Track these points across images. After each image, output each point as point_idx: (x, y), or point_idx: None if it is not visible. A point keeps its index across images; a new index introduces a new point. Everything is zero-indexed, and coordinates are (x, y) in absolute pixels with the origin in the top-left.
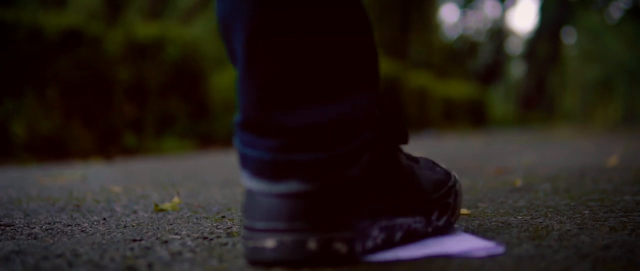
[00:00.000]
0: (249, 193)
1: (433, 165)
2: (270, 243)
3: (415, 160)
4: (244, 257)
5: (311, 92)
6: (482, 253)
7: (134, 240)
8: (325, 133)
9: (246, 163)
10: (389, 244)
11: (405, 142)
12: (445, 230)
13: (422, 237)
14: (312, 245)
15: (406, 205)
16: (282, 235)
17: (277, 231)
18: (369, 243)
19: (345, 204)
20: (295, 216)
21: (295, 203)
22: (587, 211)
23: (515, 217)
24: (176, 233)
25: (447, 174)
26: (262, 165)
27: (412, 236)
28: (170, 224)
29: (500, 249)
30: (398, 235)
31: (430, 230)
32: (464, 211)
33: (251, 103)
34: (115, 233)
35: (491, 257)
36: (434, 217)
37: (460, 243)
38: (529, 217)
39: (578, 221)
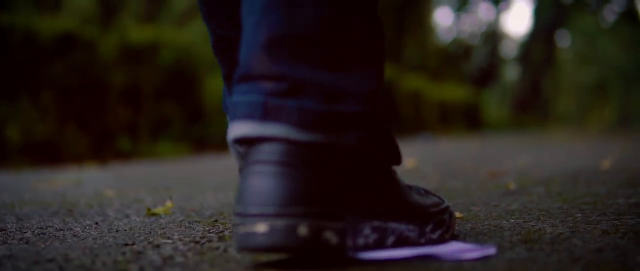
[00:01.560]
0: (243, 178)
1: (425, 192)
2: (261, 227)
3: (409, 186)
4: (235, 244)
5: (319, 52)
6: (474, 254)
7: (126, 245)
8: (323, 91)
9: (237, 110)
10: (380, 246)
11: (398, 162)
12: (438, 243)
13: (414, 246)
14: (302, 230)
15: (401, 211)
16: (274, 220)
17: (270, 215)
18: (360, 240)
19: (339, 193)
20: (289, 200)
21: (289, 186)
22: (579, 215)
23: (508, 220)
24: (168, 238)
25: (441, 199)
26: (255, 106)
27: (404, 244)
28: (163, 228)
29: (492, 250)
30: (390, 240)
31: (423, 241)
32: (457, 214)
33: (257, 51)
34: (107, 238)
35: (483, 260)
36: (428, 229)
37: (452, 245)
38: (521, 220)
39: (570, 224)
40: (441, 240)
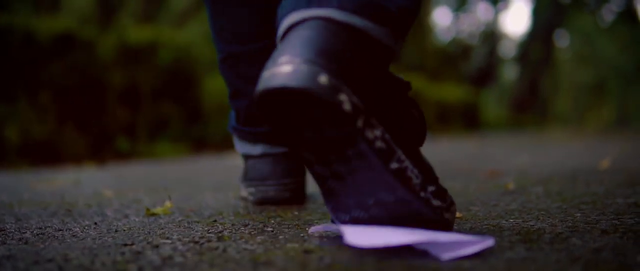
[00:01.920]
0: (282, 38)
1: None
2: (287, 68)
3: None
4: (258, 87)
5: None
6: (473, 247)
7: (125, 245)
8: None
9: (283, 9)
10: (382, 159)
11: (421, 143)
12: (434, 216)
13: (412, 193)
14: (323, 79)
15: (412, 152)
16: (300, 64)
17: (296, 61)
18: (369, 134)
19: (363, 80)
20: (318, 53)
21: (322, 43)
22: (579, 214)
23: (507, 220)
24: (167, 238)
25: None
26: None
27: (405, 183)
28: (162, 228)
29: (490, 241)
30: (393, 164)
31: (422, 195)
32: (456, 214)
33: None
34: (106, 238)
35: (482, 259)
36: (430, 189)
37: (450, 234)
38: (520, 220)
39: (570, 224)
40: (436, 215)
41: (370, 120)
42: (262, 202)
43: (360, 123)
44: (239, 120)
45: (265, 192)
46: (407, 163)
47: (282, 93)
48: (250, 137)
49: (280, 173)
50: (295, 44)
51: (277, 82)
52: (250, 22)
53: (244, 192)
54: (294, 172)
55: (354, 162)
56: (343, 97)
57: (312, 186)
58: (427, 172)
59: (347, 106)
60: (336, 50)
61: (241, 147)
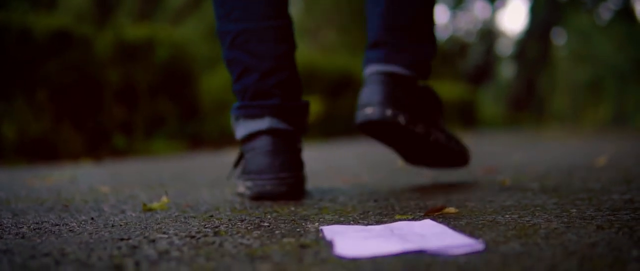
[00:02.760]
0: (366, 80)
1: None
2: (369, 110)
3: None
4: (355, 120)
5: (414, 33)
6: (461, 250)
7: (122, 239)
8: (413, 51)
9: (370, 61)
10: (427, 135)
11: (442, 110)
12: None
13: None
14: (388, 112)
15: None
16: (376, 106)
17: (373, 104)
18: (417, 129)
19: (413, 105)
20: (384, 98)
21: (386, 91)
22: (574, 210)
23: (503, 216)
24: (164, 232)
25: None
26: (380, 56)
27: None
28: (158, 223)
29: (480, 246)
30: (431, 138)
31: (451, 144)
32: (452, 210)
33: (381, 31)
34: (103, 233)
35: (477, 254)
36: (450, 138)
37: (441, 239)
38: (516, 216)
39: (565, 220)
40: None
41: (415, 122)
42: (259, 197)
43: (411, 126)
44: (245, 98)
45: (262, 186)
46: (437, 134)
47: (370, 122)
48: (258, 111)
49: (278, 167)
50: (373, 91)
51: (365, 117)
52: (260, 2)
53: (241, 187)
54: (293, 166)
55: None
56: (401, 119)
57: (311, 182)
58: (447, 131)
59: (402, 121)
60: (393, 91)
61: (245, 127)
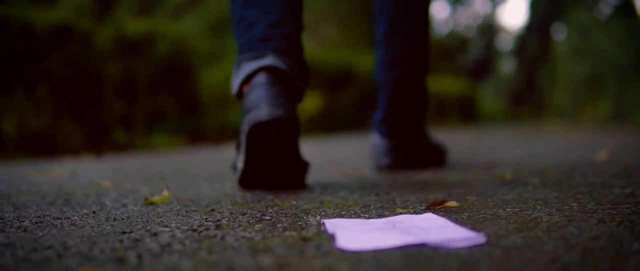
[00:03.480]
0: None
1: None
2: (384, 160)
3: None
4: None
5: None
6: (463, 244)
7: (124, 233)
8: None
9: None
10: None
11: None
12: None
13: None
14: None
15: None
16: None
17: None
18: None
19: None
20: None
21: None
22: (575, 204)
23: (504, 209)
24: (166, 226)
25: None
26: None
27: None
28: (160, 217)
29: (482, 239)
30: None
31: None
32: (453, 203)
33: (384, 67)
34: (104, 226)
35: (478, 247)
36: None
37: (443, 232)
38: (517, 209)
39: (566, 213)
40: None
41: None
42: (255, 127)
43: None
44: (253, 41)
45: (257, 115)
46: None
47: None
48: (262, 51)
49: (274, 96)
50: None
51: (381, 164)
52: None
53: (240, 162)
54: (289, 101)
55: None
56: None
57: (312, 176)
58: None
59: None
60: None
61: (246, 68)
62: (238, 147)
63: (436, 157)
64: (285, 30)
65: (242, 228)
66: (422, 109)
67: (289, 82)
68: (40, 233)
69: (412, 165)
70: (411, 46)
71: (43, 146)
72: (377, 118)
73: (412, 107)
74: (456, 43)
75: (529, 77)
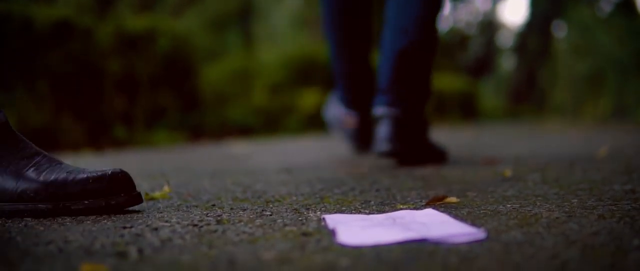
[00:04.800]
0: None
1: None
2: (384, 146)
3: None
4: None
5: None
6: (464, 239)
7: (124, 227)
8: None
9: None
10: None
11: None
12: None
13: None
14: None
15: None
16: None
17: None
18: None
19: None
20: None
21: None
22: (575, 200)
23: (504, 205)
24: (166, 221)
25: None
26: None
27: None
28: (160, 212)
29: (482, 234)
30: None
31: None
32: (453, 199)
33: (389, 81)
34: (105, 221)
35: (478, 243)
36: None
37: (443, 228)
38: (517, 205)
39: (567, 209)
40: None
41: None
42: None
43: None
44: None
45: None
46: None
47: (382, 153)
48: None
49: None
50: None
51: (382, 149)
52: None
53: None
54: None
55: None
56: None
57: (312, 172)
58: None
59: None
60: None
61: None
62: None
63: (437, 154)
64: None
65: (242, 223)
66: (425, 88)
67: None
68: (41, 228)
69: (413, 152)
70: (421, 20)
71: (44, 141)
72: (379, 87)
73: (415, 79)
74: (456, 40)
75: (530, 74)
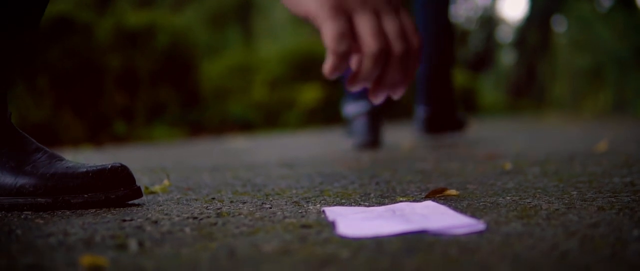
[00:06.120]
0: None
1: None
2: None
3: None
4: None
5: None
6: (463, 231)
7: (124, 220)
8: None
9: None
10: None
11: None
12: None
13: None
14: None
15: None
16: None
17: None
18: None
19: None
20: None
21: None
22: (575, 192)
23: (504, 198)
24: (166, 214)
25: None
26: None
27: None
28: (160, 205)
29: (482, 226)
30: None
31: None
32: (453, 192)
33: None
34: (105, 214)
35: (478, 234)
36: None
37: (443, 219)
38: (517, 198)
39: (566, 201)
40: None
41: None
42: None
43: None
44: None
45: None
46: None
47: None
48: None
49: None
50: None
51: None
52: None
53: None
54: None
55: None
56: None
57: (311, 167)
58: None
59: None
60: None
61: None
62: None
63: (459, 123)
64: None
65: (242, 216)
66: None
67: None
68: (42, 221)
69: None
70: (435, 36)
71: (44, 137)
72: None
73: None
74: (456, 35)
75: (529, 68)
